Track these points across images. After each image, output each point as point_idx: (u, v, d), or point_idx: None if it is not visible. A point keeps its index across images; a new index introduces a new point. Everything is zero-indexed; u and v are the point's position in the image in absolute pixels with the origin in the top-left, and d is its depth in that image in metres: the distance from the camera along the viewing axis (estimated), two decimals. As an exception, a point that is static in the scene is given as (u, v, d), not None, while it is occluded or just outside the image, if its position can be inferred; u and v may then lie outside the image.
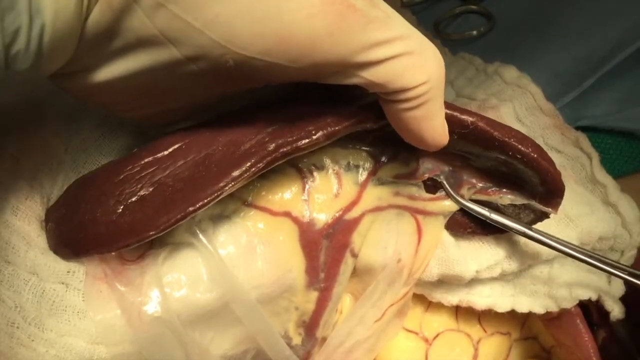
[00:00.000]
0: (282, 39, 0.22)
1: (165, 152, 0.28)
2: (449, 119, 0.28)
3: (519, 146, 0.29)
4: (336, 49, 0.22)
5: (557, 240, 0.32)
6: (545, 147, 0.39)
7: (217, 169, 0.27)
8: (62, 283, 0.28)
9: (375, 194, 0.32)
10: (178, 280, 0.28)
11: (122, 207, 0.27)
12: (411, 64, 0.24)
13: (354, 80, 0.24)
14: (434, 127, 0.26)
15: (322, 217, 0.31)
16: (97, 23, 0.22)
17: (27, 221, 0.28)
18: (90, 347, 0.27)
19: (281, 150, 0.26)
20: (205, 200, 0.26)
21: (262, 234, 0.30)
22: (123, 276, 0.28)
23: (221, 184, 0.26)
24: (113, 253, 0.27)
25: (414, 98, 0.25)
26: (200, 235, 0.29)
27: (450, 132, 0.28)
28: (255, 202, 0.30)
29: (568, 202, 0.32)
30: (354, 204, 0.32)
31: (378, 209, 0.32)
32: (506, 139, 0.29)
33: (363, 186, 0.32)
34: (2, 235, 0.28)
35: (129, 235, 0.26)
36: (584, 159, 0.39)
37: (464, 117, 0.29)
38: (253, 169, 0.26)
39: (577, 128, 0.41)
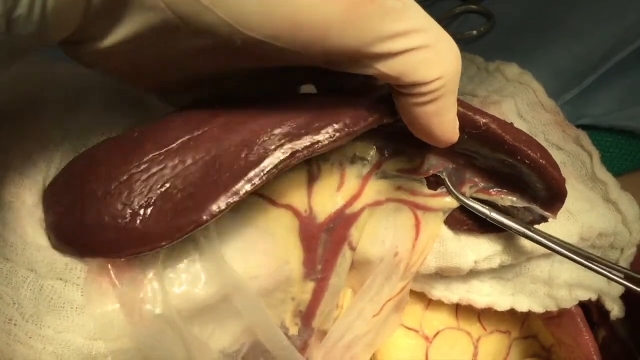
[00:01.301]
0: (293, 24, 0.21)
1: (173, 146, 0.27)
2: (461, 117, 0.28)
3: (528, 151, 0.29)
4: (349, 38, 0.22)
5: (556, 241, 0.32)
6: (546, 144, 0.39)
7: (230, 174, 0.26)
8: (60, 279, 0.27)
9: (376, 188, 0.32)
10: (179, 276, 0.28)
11: (130, 213, 0.26)
12: (427, 58, 0.23)
13: (366, 71, 0.24)
14: (445, 123, 0.26)
15: (324, 211, 0.31)
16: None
17: (22, 215, 0.28)
18: (88, 343, 0.27)
19: (297, 155, 0.25)
20: (219, 210, 0.25)
21: (262, 224, 0.30)
22: (124, 272, 0.27)
23: (235, 188, 0.25)
24: (122, 259, 0.27)
25: (428, 93, 0.24)
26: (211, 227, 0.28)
27: (461, 130, 0.27)
28: (259, 191, 0.30)
29: (569, 198, 0.32)
30: (355, 198, 0.31)
31: (377, 203, 0.32)
32: (516, 144, 0.29)
33: (365, 179, 0.32)
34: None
35: (140, 243, 0.25)
36: (585, 157, 0.39)
37: (477, 117, 0.28)
38: (266, 176, 0.25)
39: (578, 126, 0.41)
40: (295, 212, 0.30)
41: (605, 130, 0.44)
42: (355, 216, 0.31)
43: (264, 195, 0.30)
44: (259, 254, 0.30)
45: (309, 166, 0.31)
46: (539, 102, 0.40)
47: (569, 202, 0.35)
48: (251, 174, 0.25)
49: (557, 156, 0.38)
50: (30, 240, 0.27)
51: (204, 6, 0.21)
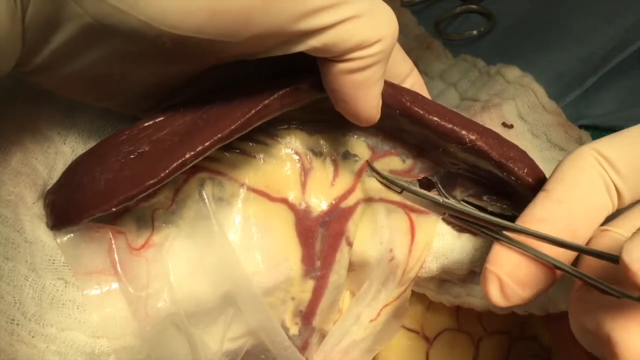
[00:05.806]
0: (213, 14, 0.21)
1: (163, 117, 0.28)
2: (449, 133, 0.28)
3: (515, 169, 0.29)
4: (273, 19, 0.22)
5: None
6: (548, 145, 0.39)
7: (216, 118, 0.26)
8: (61, 279, 0.27)
9: (369, 185, 0.32)
10: (183, 273, 0.28)
11: (120, 164, 0.26)
12: (361, 27, 0.23)
13: (300, 49, 0.24)
14: (370, 96, 0.26)
15: (319, 204, 0.31)
16: (35, 22, 0.22)
17: (21, 213, 0.28)
18: (91, 341, 0.27)
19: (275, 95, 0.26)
20: (207, 144, 0.25)
21: (259, 219, 0.30)
22: (128, 269, 0.28)
23: (225, 125, 0.26)
24: (114, 209, 0.26)
25: (361, 58, 0.24)
26: (214, 221, 0.28)
27: (448, 143, 0.28)
28: (253, 186, 0.30)
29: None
30: (349, 192, 0.32)
31: (371, 200, 0.32)
32: (502, 160, 0.29)
33: (358, 175, 0.32)
34: (0, 231, 0.27)
35: (128, 188, 0.25)
36: (587, 157, 0.39)
37: (462, 133, 0.29)
38: (253, 111, 0.26)
39: (579, 127, 0.41)
40: (290, 206, 0.31)
41: (606, 131, 0.44)
42: (350, 210, 0.31)
43: (258, 191, 0.30)
44: (257, 250, 0.30)
45: (302, 160, 0.31)
46: (540, 104, 0.40)
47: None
48: (240, 112, 0.26)
49: (559, 157, 0.38)
50: (29, 238, 0.28)
51: (123, 12, 0.21)
